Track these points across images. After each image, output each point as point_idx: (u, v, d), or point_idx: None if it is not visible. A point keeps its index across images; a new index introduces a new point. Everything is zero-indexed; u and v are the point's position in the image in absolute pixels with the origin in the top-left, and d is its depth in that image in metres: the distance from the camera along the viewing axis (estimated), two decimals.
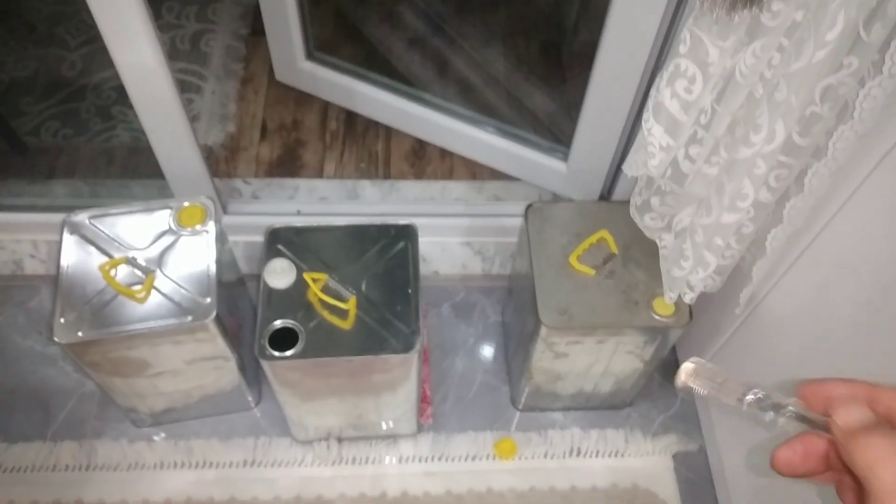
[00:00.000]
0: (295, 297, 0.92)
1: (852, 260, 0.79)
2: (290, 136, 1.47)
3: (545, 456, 1.12)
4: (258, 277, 1.23)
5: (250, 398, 1.13)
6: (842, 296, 0.82)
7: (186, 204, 0.98)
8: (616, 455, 1.12)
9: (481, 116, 1.39)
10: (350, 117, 1.50)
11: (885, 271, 0.74)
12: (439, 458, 1.11)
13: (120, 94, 1.51)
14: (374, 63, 1.51)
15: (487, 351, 1.22)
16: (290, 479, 1.08)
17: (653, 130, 0.79)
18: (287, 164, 1.43)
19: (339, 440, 1.11)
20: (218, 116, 1.48)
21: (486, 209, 1.31)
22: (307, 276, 0.92)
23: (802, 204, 0.77)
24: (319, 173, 1.42)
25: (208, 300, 0.92)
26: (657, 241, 0.96)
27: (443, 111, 1.40)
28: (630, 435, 1.14)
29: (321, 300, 0.91)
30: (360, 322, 0.90)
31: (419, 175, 1.43)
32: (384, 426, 1.09)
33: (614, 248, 0.99)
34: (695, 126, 0.76)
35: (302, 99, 1.52)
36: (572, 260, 0.97)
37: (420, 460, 1.11)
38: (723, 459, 1.09)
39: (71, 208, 1.25)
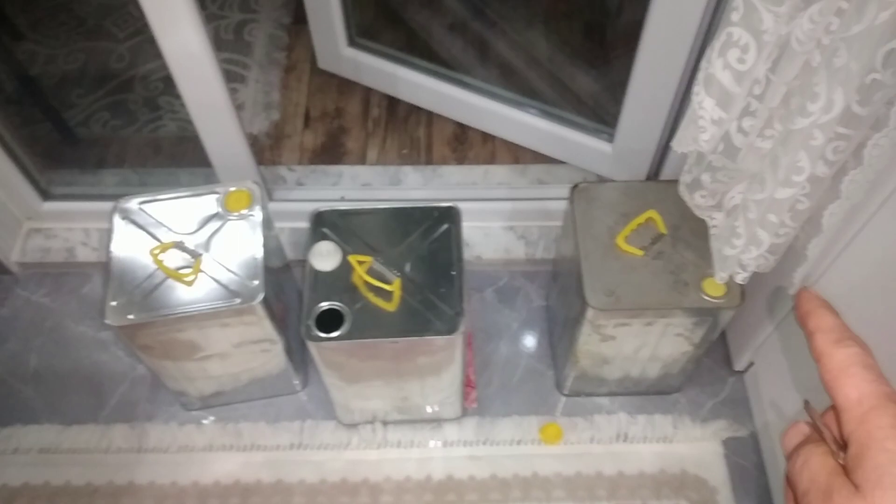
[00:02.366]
0: (340, 280, 0.92)
1: None
2: (333, 124, 1.48)
3: (591, 441, 1.10)
4: (304, 263, 1.24)
5: (297, 382, 1.14)
6: None
7: (233, 189, 0.99)
8: (664, 441, 1.10)
9: (524, 99, 1.38)
10: (392, 104, 1.50)
11: None
12: (484, 443, 1.10)
13: (167, 84, 1.53)
14: (416, 48, 1.50)
15: (531, 336, 1.21)
16: (336, 462, 1.09)
17: (704, 103, 0.77)
18: (330, 151, 1.44)
19: (385, 423, 1.11)
20: (262, 105, 1.49)
21: (530, 192, 1.30)
22: (352, 259, 0.92)
23: (861, 177, 0.74)
24: (362, 160, 1.43)
25: (255, 283, 0.93)
26: (707, 220, 0.93)
27: (485, 94, 1.39)
28: (678, 420, 1.12)
29: (366, 282, 0.91)
30: (404, 304, 0.90)
31: (461, 160, 1.42)
32: (429, 410, 1.08)
33: (663, 228, 0.96)
34: (748, 98, 0.73)
35: (344, 86, 1.52)
36: (619, 240, 0.95)
37: (465, 444, 1.10)
38: (775, 445, 1.06)
39: (121, 196, 1.29)
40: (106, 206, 1.29)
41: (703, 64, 0.76)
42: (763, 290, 1.01)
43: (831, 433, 0.33)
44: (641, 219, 0.97)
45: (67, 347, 1.20)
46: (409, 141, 1.45)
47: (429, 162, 1.42)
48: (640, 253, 0.95)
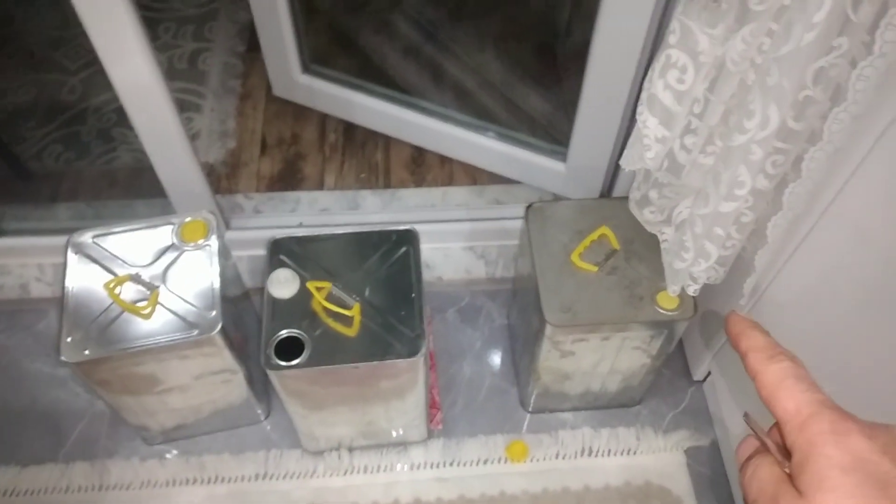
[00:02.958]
0: (299, 307, 0.92)
1: (854, 242, 0.79)
2: (290, 150, 1.48)
3: (557, 457, 1.11)
4: (262, 291, 1.24)
5: (259, 411, 1.13)
6: (844, 279, 0.81)
7: (188, 219, 0.99)
8: (628, 453, 1.12)
9: (479, 121, 1.40)
10: (348, 129, 1.51)
11: (887, 252, 0.74)
12: (450, 464, 1.11)
13: (120, 116, 1.52)
14: (370, 73, 1.52)
15: (495, 354, 1.22)
16: (302, 491, 1.08)
17: (647, 123, 0.79)
18: (288, 178, 1.44)
19: (350, 450, 1.11)
20: (218, 133, 1.49)
21: (488, 213, 1.32)
22: (310, 285, 0.92)
23: (801, 189, 0.77)
24: (320, 185, 1.43)
25: (213, 314, 0.92)
26: (658, 235, 0.96)
27: (440, 118, 1.41)
28: (641, 432, 1.14)
29: (325, 308, 0.91)
30: (365, 329, 0.90)
31: (419, 182, 1.43)
32: (394, 434, 1.08)
33: (616, 244, 0.99)
34: (689, 116, 0.76)
35: (300, 113, 1.53)
36: (574, 258, 0.97)
37: (431, 466, 1.10)
38: (735, 453, 1.08)
39: (76, 230, 1.27)
40: (60, 240, 1.27)
41: (646, 84, 0.79)
42: (716, 300, 1.03)
43: (775, 443, 0.35)
44: (595, 235, 0.99)
45: (23, 385, 1.18)
46: (366, 165, 1.46)
47: (387, 185, 1.43)
48: (594, 269, 0.97)
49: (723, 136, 0.75)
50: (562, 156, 1.28)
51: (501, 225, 1.29)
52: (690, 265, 0.87)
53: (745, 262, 0.91)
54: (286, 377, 0.89)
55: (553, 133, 1.41)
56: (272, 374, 0.89)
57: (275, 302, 0.92)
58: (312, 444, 1.10)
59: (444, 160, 1.46)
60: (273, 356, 0.87)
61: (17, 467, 1.10)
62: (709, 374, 1.16)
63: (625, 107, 1.11)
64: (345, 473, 1.09)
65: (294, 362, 0.87)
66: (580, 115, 1.16)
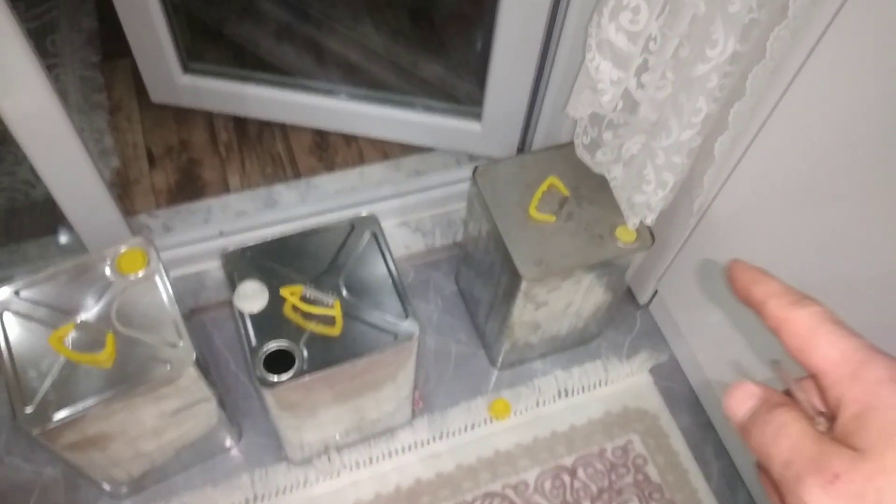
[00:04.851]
0: (274, 317, 0.87)
1: (789, 149, 0.86)
2: (182, 158, 1.38)
3: (537, 405, 1.14)
4: (202, 310, 1.16)
5: (232, 436, 1.07)
6: (780, 184, 0.89)
7: (123, 249, 0.90)
8: (600, 385, 1.17)
9: (378, 93, 1.37)
10: (239, 124, 1.43)
11: (819, 154, 0.81)
12: (440, 437, 1.11)
13: None
14: (249, 64, 1.44)
15: (454, 322, 1.22)
16: (299, 503, 1.04)
17: (601, 67, 0.81)
18: (188, 188, 1.34)
19: (338, 449, 1.08)
20: (96, 153, 1.36)
21: (411, 185, 1.30)
22: (284, 291, 0.87)
23: (745, 107, 0.82)
24: (226, 189, 1.35)
25: (181, 343, 0.85)
26: (606, 175, 0.99)
27: (339, 96, 1.37)
28: (607, 363, 1.19)
29: (304, 312, 0.87)
30: (349, 324, 0.87)
31: (330, 167, 1.39)
32: (381, 422, 1.06)
33: (565, 191, 1.01)
34: (644, 54, 0.79)
35: (181, 116, 1.42)
36: (531, 211, 0.99)
37: (422, 445, 1.10)
38: (697, 360, 1.16)
39: None
40: None
41: (592, 31, 0.81)
42: (663, 225, 1.09)
43: (807, 398, 0.30)
44: (544, 187, 1.01)
45: None
46: (269, 159, 1.39)
47: (297, 176, 1.37)
48: (552, 219, 0.99)
49: (675, 69, 0.79)
50: (475, 116, 1.28)
51: (429, 195, 1.29)
52: (650, 196, 0.91)
53: (688, 183, 0.97)
54: (281, 391, 0.85)
55: (454, 95, 1.41)
56: (267, 392, 0.84)
57: (247, 317, 0.87)
58: (299, 453, 1.05)
59: (349, 139, 1.42)
60: (266, 374, 0.82)
61: None
62: (654, 294, 1.23)
63: (537, 59, 1.12)
64: (338, 475, 1.06)
65: (288, 375, 0.83)
66: (492, 72, 1.17)
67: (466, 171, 1.29)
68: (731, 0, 0.67)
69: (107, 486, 1.01)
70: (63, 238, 1.19)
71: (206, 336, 1.11)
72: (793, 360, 0.29)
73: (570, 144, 1.05)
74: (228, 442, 1.08)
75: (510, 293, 0.99)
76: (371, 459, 1.08)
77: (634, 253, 0.99)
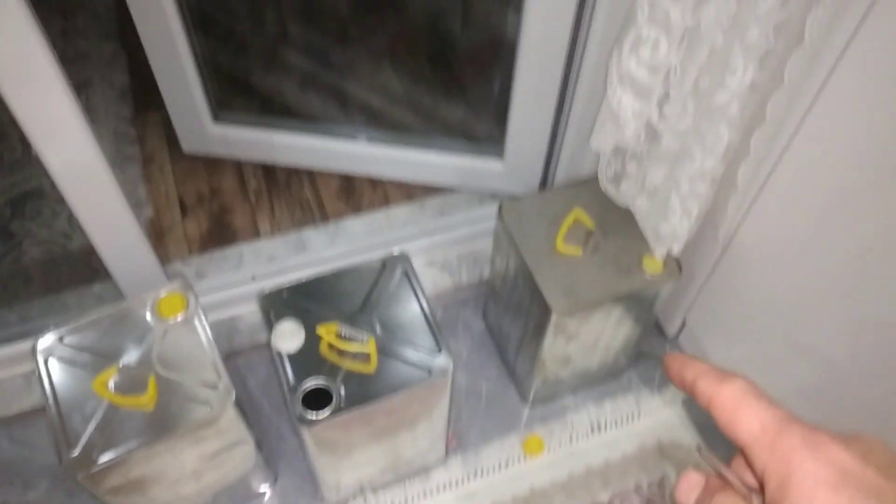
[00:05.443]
0: (311, 356, 0.88)
1: (810, 177, 0.87)
2: (213, 205, 1.42)
3: (571, 441, 1.14)
4: (236, 354, 1.18)
5: (268, 479, 1.08)
6: (803, 211, 0.90)
7: (163, 294, 0.92)
8: (633, 419, 1.16)
9: (401, 136, 1.41)
10: (268, 172, 1.46)
11: (840, 181, 0.82)
12: (474, 476, 1.10)
13: (14, 209, 1.39)
14: (274, 112, 1.48)
15: (483, 359, 1.23)
16: None
17: (622, 101, 0.83)
18: (220, 235, 1.38)
19: (374, 490, 1.08)
20: (131, 205, 1.39)
21: (437, 224, 1.32)
22: (320, 330, 0.89)
23: (765, 133, 0.84)
24: (256, 234, 1.38)
25: (221, 386, 0.87)
26: (630, 206, 1.01)
27: (361, 140, 1.40)
28: (639, 396, 1.19)
29: (339, 350, 0.88)
30: (384, 361, 0.88)
31: (357, 210, 1.42)
32: (416, 461, 1.06)
33: (591, 224, 1.03)
34: (664, 85, 0.81)
35: (212, 166, 1.47)
36: (558, 244, 1.00)
37: (457, 484, 1.09)
38: None
39: (5, 339, 1.15)
40: None
41: (613, 65, 0.83)
42: (689, 254, 1.10)
43: (736, 475, 0.32)
44: (570, 220, 1.02)
45: None
46: (297, 204, 1.43)
47: (325, 219, 1.40)
48: (579, 252, 1.00)
49: (696, 99, 0.81)
50: (497, 154, 1.31)
51: (455, 234, 1.31)
52: (676, 225, 0.93)
53: (712, 212, 0.98)
54: (319, 430, 0.85)
55: (475, 135, 1.44)
56: (305, 431, 0.85)
57: (284, 357, 0.88)
58: (335, 494, 1.06)
59: (375, 183, 1.45)
60: (305, 412, 0.83)
61: None
62: (683, 325, 1.23)
63: (556, 97, 1.15)
64: None
65: (327, 412, 0.84)
66: (513, 112, 1.20)
67: (490, 209, 1.31)
68: (749, 29, 0.69)
69: None
70: (100, 287, 1.22)
71: (240, 380, 1.13)
72: (724, 435, 0.31)
73: (593, 178, 1.06)
74: (265, 485, 1.08)
75: (540, 327, 1.00)
76: (407, 499, 1.07)
77: (662, 283, 0.99)
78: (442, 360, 0.88)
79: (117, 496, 0.88)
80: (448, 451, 1.11)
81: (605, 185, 1.00)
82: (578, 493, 1.09)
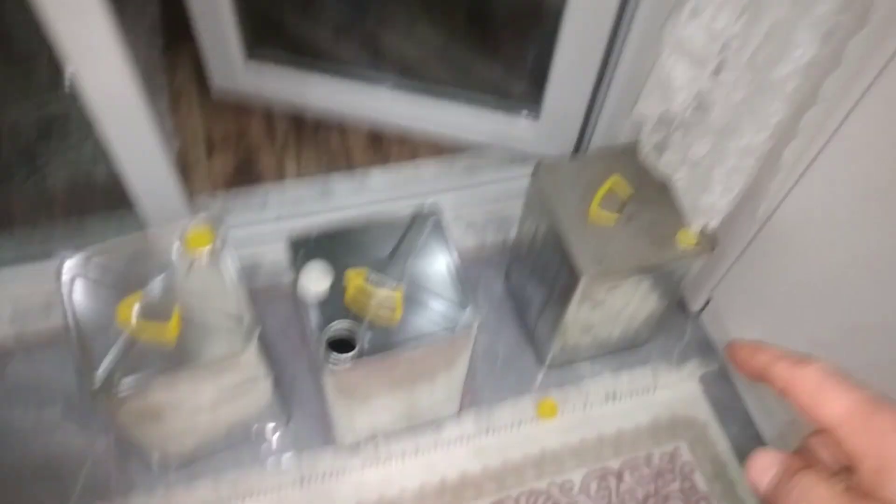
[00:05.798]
0: (336, 302, 0.88)
1: (860, 160, 0.85)
2: (240, 145, 1.40)
3: (585, 407, 1.14)
4: (256, 293, 1.18)
5: (281, 417, 1.08)
6: (848, 195, 0.88)
7: (192, 226, 0.92)
8: (649, 391, 1.16)
9: (434, 90, 1.38)
10: (297, 117, 1.45)
11: (889, 169, 0.80)
12: (486, 433, 1.11)
13: (39, 131, 1.38)
14: (306, 56, 1.45)
15: (502, 320, 1.22)
16: (345, 488, 1.04)
17: (676, 67, 0.81)
18: (245, 174, 1.36)
19: (386, 437, 1.08)
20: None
21: (465, 181, 1.31)
22: (349, 274, 0.88)
23: (818, 114, 0.82)
24: (282, 177, 1.36)
25: (245, 320, 0.86)
26: (671, 177, 0.99)
27: (393, 90, 1.38)
28: (656, 369, 1.18)
29: (365, 298, 0.87)
30: (409, 312, 0.88)
31: (385, 162, 1.40)
32: (430, 412, 1.07)
33: (628, 192, 1.01)
34: (723, 53, 0.79)
35: (240, 106, 1.45)
36: (592, 210, 0.98)
37: (468, 439, 1.10)
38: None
39: (29, 258, 1.15)
40: (11, 272, 1.15)
41: (668, 31, 0.81)
42: (725, 230, 1.08)
43: (828, 455, 0.31)
44: (607, 186, 1.01)
45: (7, 438, 1.06)
46: (325, 152, 1.41)
47: (350, 168, 1.38)
48: (613, 218, 0.99)
49: (753, 70, 0.78)
50: (532, 114, 1.29)
51: (482, 191, 1.29)
52: (717, 199, 0.91)
53: (752, 188, 0.96)
54: (341, 374, 0.85)
55: (510, 93, 1.42)
56: (327, 374, 0.85)
57: (310, 299, 0.88)
58: (347, 437, 1.06)
59: (404, 136, 1.43)
60: (330, 355, 0.83)
61: None
62: (707, 302, 1.22)
63: (600, 61, 1.13)
64: (384, 462, 1.07)
65: (351, 358, 0.84)
66: (554, 71, 1.17)
67: (520, 170, 1.29)
68: (818, 3, 0.67)
69: (156, 459, 1.03)
70: (122, 216, 1.21)
71: (259, 319, 1.12)
72: (804, 418, 0.30)
73: (630, 146, 1.04)
74: (278, 423, 1.09)
75: (567, 292, 0.99)
76: (418, 448, 1.08)
77: (695, 257, 0.98)
78: (467, 316, 0.87)
79: (134, 422, 0.89)
80: (462, 407, 1.12)
81: (647, 153, 0.98)
82: (589, 459, 1.09)
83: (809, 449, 0.31)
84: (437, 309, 0.88)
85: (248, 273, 1.21)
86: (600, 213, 0.98)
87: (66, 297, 0.86)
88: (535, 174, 1.02)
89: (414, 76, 1.44)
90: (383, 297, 0.87)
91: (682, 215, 0.99)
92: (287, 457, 1.07)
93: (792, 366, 0.30)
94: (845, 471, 0.29)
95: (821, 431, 0.31)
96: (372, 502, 1.04)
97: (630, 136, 1.06)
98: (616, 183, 1.01)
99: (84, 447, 1.06)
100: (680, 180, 0.98)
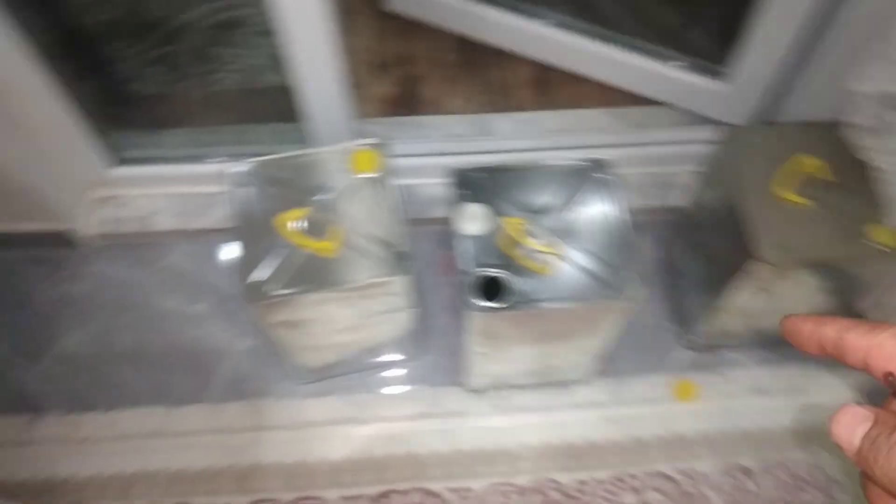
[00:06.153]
0: (490, 245, 0.85)
1: None
2: (406, 71, 1.38)
3: (727, 396, 1.07)
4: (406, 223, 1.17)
5: (416, 349, 1.08)
6: None
7: (359, 147, 0.91)
8: (800, 393, 1.07)
9: (613, 33, 1.29)
10: (466, 46, 1.40)
11: None
12: (616, 404, 1.06)
13: (216, 33, 1.41)
14: None
15: (650, 290, 1.16)
16: (466, 431, 1.04)
17: None
18: (407, 102, 1.35)
19: (514, 388, 1.06)
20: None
21: (635, 138, 1.23)
22: (506, 221, 0.85)
23: None
24: (443, 108, 1.34)
25: (399, 251, 0.85)
26: (882, 165, 0.88)
27: (570, 29, 1.30)
28: (810, 372, 1.09)
29: (521, 246, 0.84)
30: (564, 268, 0.84)
31: (548, 104, 1.34)
32: (563, 373, 1.04)
33: (823, 174, 0.91)
34: None
35: (411, 30, 1.42)
36: (781, 189, 0.89)
37: (598, 406, 1.06)
38: None
39: (197, 158, 1.19)
40: (179, 169, 1.20)
41: None
42: None
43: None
44: (798, 165, 0.91)
45: (159, 324, 1.12)
46: (489, 87, 1.37)
47: (514, 108, 1.34)
48: (800, 202, 0.89)
49: None
50: (720, 74, 1.18)
51: (651, 151, 1.21)
52: None
53: None
54: (487, 319, 0.83)
55: (693, 47, 1.31)
56: (473, 316, 0.82)
57: (465, 239, 0.85)
58: (477, 381, 1.05)
59: (573, 79, 1.36)
60: (479, 299, 0.81)
61: (165, 408, 1.06)
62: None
63: (811, 25, 1.01)
64: (509, 413, 1.05)
65: (500, 304, 0.81)
66: (755, 30, 1.06)
67: (695, 133, 1.20)
68: None
69: (292, 369, 1.06)
70: (289, 131, 1.23)
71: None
72: (886, 384, 0.28)
73: (831, 123, 0.93)
74: (411, 354, 1.09)
75: (733, 272, 0.91)
76: (544, 407, 1.06)
77: (888, 259, 0.87)
78: (632, 283, 0.82)
79: (278, 327, 0.91)
80: (596, 373, 1.07)
81: (856, 134, 0.87)
82: (723, 452, 1.03)
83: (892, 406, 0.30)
84: (595, 270, 0.83)
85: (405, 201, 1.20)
86: (788, 193, 0.89)
87: (232, 201, 0.88)
88: (726, 141, 0.94)
89: (591, 16, 1.36)
90: (538, 248, 0.83)
91: (882, 209, 0.88)
92: (414, 389, 1.07)
93: (867, 333, 0.29)
94: None
95: None
96: (489, 451, 1.03)
97: (834, 112, 0.95)
98: (809, 162, 0.91)
99: (227, 345, 1.11)
100: (891, 167, 0.87)
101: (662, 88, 1.26)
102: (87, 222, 1.17)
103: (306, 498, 0.99)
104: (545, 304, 0.81)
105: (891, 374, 0.29)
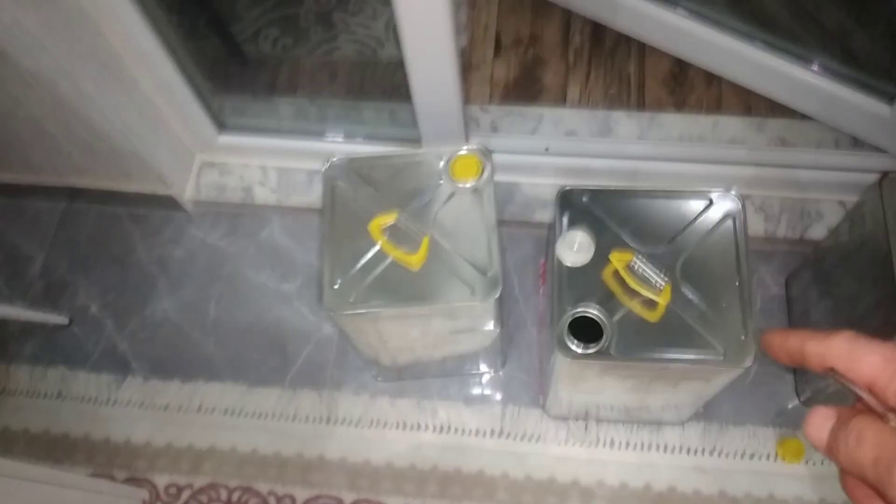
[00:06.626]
0: (591, 277, 0.77)
1: None
2: (528, 53, 1.29)
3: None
4: (502, 224, 1.10)
5: (497, 362, 1.03)
6: None
7: (462, 152, 0.84)
8: None
9: (763, 33, 1.14)
10: (596, 31, 1.29)
11: None
12: (711, 453, 0.97)
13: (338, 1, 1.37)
14: None
15: (767, 328, 1.04)
16: (541, 458, 0.98)
17: None
18: (525, 87, 1.26)
19: (598, 421, 0.99)
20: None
21: (774, 156, 1.09)
22: (613, 255, 0.76)
23: None
24: (562, 99, 1.24)
25: (490, 271, 0.79)
26: None
27: (711, 24, 1.16)
28: None
29: (625, 285, 0.75)
30: (672, 315, 0.75)
31: (680, 105, 1.22)
32: (655, 414, 0.95)
33: None
34: None
35: (540, 8, 1.32)
36: None
37: (689, 453, 0.97)
38: None
39: (301, 132, 1.16)
40: (284, 143, 1.17)
41: None
42: None
43: (873, 399, 0.30)
44: None
45: (247, 298, 1.12)
46: (616, 77, 1.25)
47: (641, 105, 1.22)
48: None
49: None
50: (886, 96, 1.02)
51: (790, 173, 1.08)
52: None
53: None
54: (576, 362, 0.76)
55: (858, 59, 1.14)
56: (560, 358, 0.75)
57: (564, 270, 0.78)
58: (557, 409, 0.99)
59: (711, 79, 1.22)
60: (569, 340, 0.74)
61: (244, 386, 1.06)
62: None
63: None
64: (589, 445, 0.98)
65: (592, 350, 0.73)
66: None
67: (847, 158, 1.06)
68: None
69: (371, 365, 1.03)
70: (398, 109, 1.17)
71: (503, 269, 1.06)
72: (843, 383, 0.30)
73: None
74: (491, 367, 1.04)
75: (868, 325, 0.79)
76: (629, 445, 0.98)
77: None
78: (745, 346, 0.72)
79: (357, 333, 0.88)
80: (692, 417, 0.98)
81: None
82: None
83: (858, 393, 0.31)
84: (708, 326, 0.74)
85: (500, 201, 1.13)
86: None
87: (324, 195, 0.84)
88: (879, 183, 0.80)
89: (742, 11, 1.21)
90: (646, 290, 0.75)
91: None
92: (492, 404, 1.02)
93: (822, 340, 0.32)
94: (893, 411, 0.29)
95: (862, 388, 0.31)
96: (563, 483, 0.97)
97: None
98: None
99: (310, 329, 1.09)
100: None
101: (814, 101, 1.11)
102: (191, 187, 1.18)
103: (368, 501, 0.97)
104: (644, 357, 0.73)
105: (832, 368, 0.31)
